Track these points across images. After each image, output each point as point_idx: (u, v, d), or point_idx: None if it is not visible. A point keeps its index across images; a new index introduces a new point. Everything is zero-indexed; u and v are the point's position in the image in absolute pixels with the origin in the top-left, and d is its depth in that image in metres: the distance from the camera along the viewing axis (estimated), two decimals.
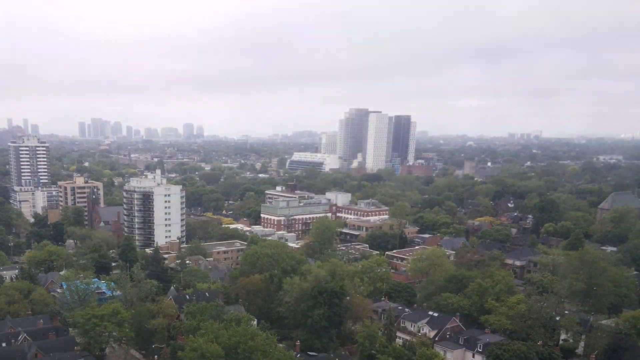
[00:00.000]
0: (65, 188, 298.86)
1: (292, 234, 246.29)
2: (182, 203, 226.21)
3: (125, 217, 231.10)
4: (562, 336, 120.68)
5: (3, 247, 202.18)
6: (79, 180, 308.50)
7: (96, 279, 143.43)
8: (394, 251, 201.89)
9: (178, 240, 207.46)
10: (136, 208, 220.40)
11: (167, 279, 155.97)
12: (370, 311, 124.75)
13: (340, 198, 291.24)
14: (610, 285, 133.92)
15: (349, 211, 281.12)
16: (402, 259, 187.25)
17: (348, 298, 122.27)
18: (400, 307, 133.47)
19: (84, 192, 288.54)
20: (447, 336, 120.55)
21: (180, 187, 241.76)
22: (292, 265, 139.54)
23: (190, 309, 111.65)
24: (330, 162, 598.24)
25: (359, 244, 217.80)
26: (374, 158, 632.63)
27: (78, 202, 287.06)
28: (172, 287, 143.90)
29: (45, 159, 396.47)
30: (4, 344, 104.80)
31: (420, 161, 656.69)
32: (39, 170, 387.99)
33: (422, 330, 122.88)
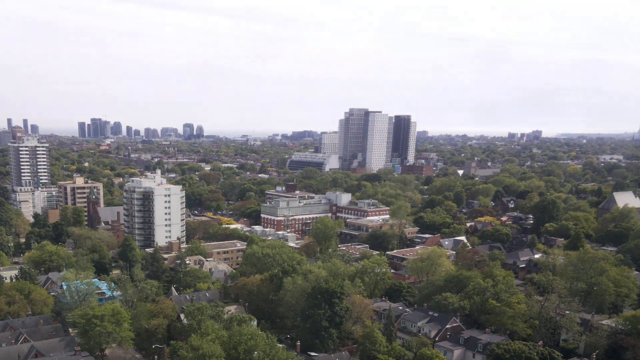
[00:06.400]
0: (65, 188, 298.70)
1: (292, 234, 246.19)
2: (182, 203, 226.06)
3: (125, 217, 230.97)
4: (563, 336, 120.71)
5: (3, 248, 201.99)
6: (79, 180, 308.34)
7: (96, 279, 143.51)
8: (394, 251, 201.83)
9: (178, 240, 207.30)
10: (136, 208, 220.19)
11: (167, 279, 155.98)
12: (370, 311, 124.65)
13: (340, 198, 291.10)
14: (610, 285, 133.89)
15: (349, 211, 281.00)
16: (402, 259, 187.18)
17: (348, 298, 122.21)
18: (400, 307, 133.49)
19: (84, 192, 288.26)
20: (448, 336, 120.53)
21: (180, 187, 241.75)
22: (292, 265, 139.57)
23: (190, 309, 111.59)
24: (330, 162, 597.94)
25: (359, 244, 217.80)
26: (374, 158, 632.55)
27: (78, 202, 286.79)
28: (172, 287, 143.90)
29: (45, 159, 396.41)
30: (4, 345, 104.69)
31: (420, 161, 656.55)
32: (39, 170, 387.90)
33: (423, 330, 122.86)
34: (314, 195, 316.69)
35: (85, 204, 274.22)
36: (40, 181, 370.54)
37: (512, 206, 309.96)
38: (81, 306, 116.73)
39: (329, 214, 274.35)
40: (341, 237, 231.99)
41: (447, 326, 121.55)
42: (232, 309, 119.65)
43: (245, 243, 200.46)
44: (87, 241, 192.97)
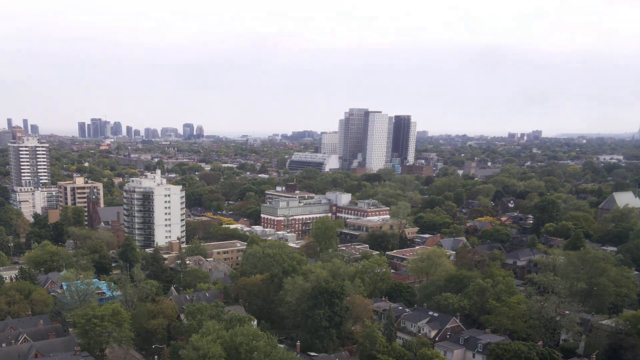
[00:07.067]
0: (65, 188, 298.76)
1: (292, 234, 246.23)
2: (182, 203, 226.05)
3: (125, 217, 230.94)
4: (563, 336, 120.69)
5: (3, 248, 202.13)
6: (79, 181, 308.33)
7: (96, 279, 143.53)
8: (394, 251, 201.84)
9: (178, 240, 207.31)
10: (136, 208, 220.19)
11: (167, 279, 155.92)
12: (370, 311, 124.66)
13: (340, 198, 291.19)
14: (610, 285, 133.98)
15: (349, 211, 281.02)
16: (402, 259, 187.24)
17: (348, 298, 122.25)
18: (400, 307, 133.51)
19: (84, 192, 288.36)
20: (448, 336, 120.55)
21: (180, 187, 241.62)
22: (292, 265, 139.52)
23: (190, 309, 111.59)
24: (330, 162, 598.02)
25: (359, 244, 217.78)
26: (374, 158, 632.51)
27: (78, 202, 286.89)
28: (172, 288, 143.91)
29: (45, 159, 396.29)
30: (4, 345, 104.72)
31: (420, 161, 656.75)
32: (39, 170, 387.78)
33: (423, 330, 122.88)
34: (314, 195, 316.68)
35: (85, 204, 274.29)
36: (40, 181, 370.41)
37: (512, 206, 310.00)
38: (81, 306, 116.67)
39: (329, 214, 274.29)
40: (341, 237, 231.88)
41: (447, 326, 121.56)
42: (232, 309, 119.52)
43: (245, 243, 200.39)
44: (87, 241, 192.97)
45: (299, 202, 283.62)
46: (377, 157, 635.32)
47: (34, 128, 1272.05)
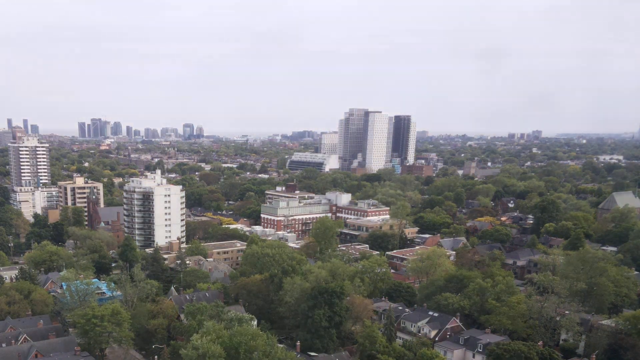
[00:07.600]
0: (65, 188, 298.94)
1: (292, 234, 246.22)
2: (182, 203, 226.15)
3: (125, 217, 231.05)
4: (563, 336, 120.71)
5: (3, 248, 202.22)
6: (79, 181, 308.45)
7: (96, 279, 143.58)
8: (394, 251, 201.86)
9: (178, 241, 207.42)
10: (136, 208, 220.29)
11: (167, 279, 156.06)
12: (370, 311, 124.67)
13: (340, 198, 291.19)
14: (610, 285, 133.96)
15: (349, 211, 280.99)
16: (402, 259, 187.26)
17: (348, 298, 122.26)
18: (400, 307, 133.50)
19: (84, 192, 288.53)
20: (448, 336, 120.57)
21: (180, 187, 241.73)
22: (292, 265, 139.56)
23: (190, 309, 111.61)
24: (330, 162, 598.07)
25: (359, 244, 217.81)
26: (374, 158, 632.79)
27: (78, 203, 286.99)
28: (172, 288, 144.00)
29: (45, 159, 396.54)
30: (4, 345, 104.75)
31: (420, 161, 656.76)
32: (39, 170, 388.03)
33: (423, 330, 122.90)
34: (314, 195, 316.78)
35: (85, 204, 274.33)
36: (41, 181, 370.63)
37: (512, 206, 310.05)
38: (81, 306, 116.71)
39: (329, 214, 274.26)
40: (341, 237, 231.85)
41: (447, 326, 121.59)
42: (232, 309, 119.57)
43: (245, 243, 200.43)
44: (87, 241, 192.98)
45: (299, 202, 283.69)
46: (377, 157, 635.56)
47: (34, 128, 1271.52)
